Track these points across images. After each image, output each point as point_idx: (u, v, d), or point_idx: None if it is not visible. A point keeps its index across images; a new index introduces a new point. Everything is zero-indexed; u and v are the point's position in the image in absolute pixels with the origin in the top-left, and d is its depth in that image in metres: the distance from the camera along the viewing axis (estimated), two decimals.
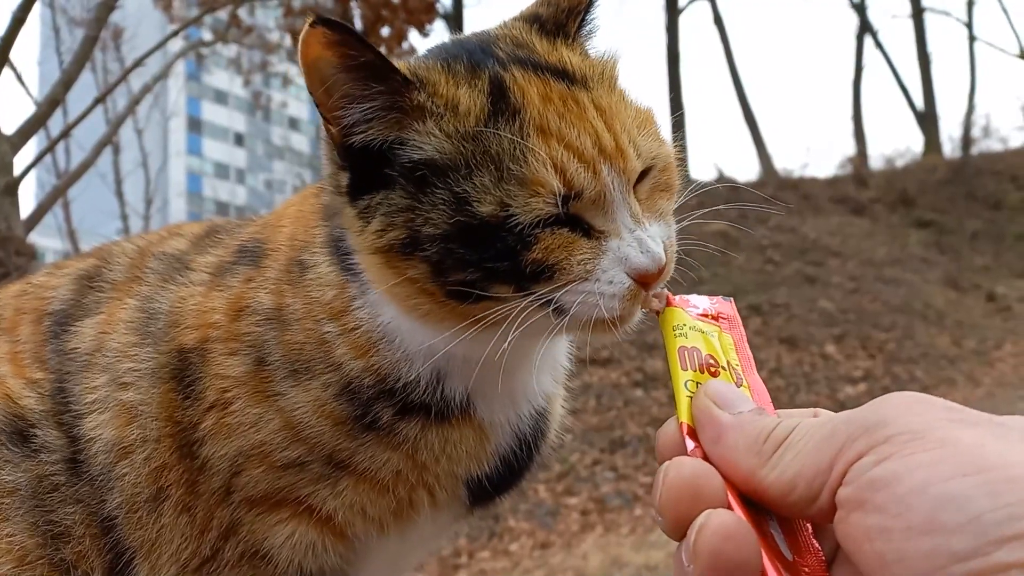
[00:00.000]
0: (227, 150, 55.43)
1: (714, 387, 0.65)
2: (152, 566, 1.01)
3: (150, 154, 18.77)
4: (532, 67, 0.88)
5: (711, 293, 0.78)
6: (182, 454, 0.99)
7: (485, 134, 0.83)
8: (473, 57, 0.89)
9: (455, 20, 14.08)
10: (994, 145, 18.89)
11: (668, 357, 0.69)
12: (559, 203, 0.81)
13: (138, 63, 5.80)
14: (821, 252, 11.27)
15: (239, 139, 56.24)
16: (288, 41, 13.77)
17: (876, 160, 18.58)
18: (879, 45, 25.21)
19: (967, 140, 17.43)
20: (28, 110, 4.33)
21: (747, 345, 0.72)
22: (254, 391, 0.96)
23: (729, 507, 0.56)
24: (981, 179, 14.65)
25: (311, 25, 0.79)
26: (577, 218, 0.82)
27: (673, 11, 15.86)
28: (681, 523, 0.57)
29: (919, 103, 18.06)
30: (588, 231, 0.82)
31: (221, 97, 54.13)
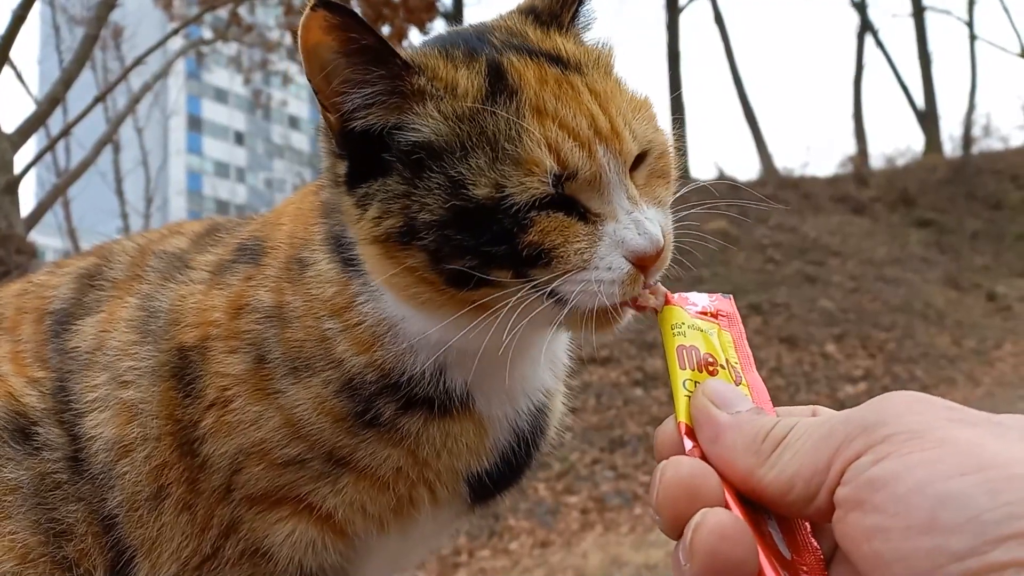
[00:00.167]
0: (227, 149, 55.39)
1: (712, 386, 0.65)
2: (153, 564, 1.01)
3: (150, 152, 18.76)
4: (527, 52, 0.88)
5: (710, 292, 0.78)
6: (182, 452, 0.99)
7: (481, 115, 0.83)
8: (470, 44, 0.90)
9: (455, 18, 14.07)
10: (995, 144, 18.92)
11: (666, 356, 0.69)
12: (553, 183, 0.80)
13: (138, 61, 5.79)
14: (821, 251, 11.27)
15: (239, 138, 56.19)
16: (288, 39, 13.76)
17: (876, 159, 18.60)
18: (880, 44, 25.19)
19: (968, 139, 17.43)
20: (28, 109, 4.34)
21: (746, 343, 0.72)
22: (254, 389, 0.96)
23: (727, 506, 0.56)
24: (982, 178, 14.65)
25: (312, 8, 0.79)
26: (573, 200, 0.82)
27: (673, 10, 15.85)
28: (678, 522, 0.57)
29: (920, 102, 18.06)
30: (584, 215, 0.82)
31: (221, 95, 54.09)
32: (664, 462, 0.60)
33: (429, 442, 0.96)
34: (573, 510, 6.42)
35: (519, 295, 0.81)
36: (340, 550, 1.01)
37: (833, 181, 14.84)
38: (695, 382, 0.66)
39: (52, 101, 4.24)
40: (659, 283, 0.82)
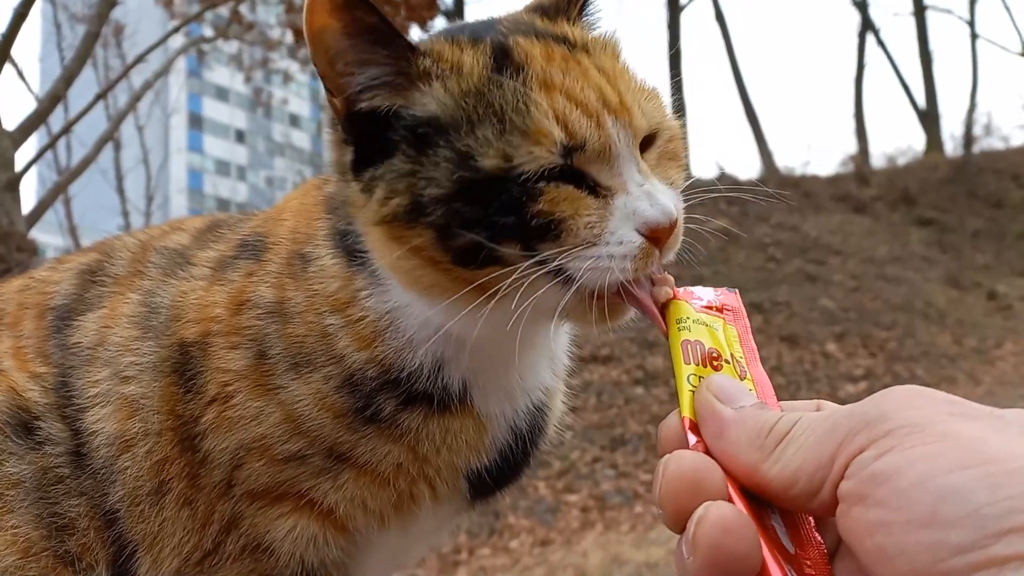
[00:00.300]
0: (228, 147, 55.43)
1: (716, 381, 0.64)
2: (154, 559, 1.01)
3: (151, 151, 18.76)
4: (534, 34, 0.89)
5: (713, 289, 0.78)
6: (183, 447, 0.99)
7: (487, 88, 0.83)
8: (475, 31, 0.90)
9: (457, 16, 14.07)
10: (996, 143, 18.87)
11: (671, 351, 0.69)
12: (562, 153, 0.80)
13: (140, 59, 5.79)
14: (822, 250, 11.27)
15: (240, 136, 56.23)
16: (289, 38, 13.77)
17: (878, 158, 18.55)
18: (881, 43, 25.18)
19: (969, 138, 17.39)
20: (29, 106, 4.33)
21: (751, 337, 0.72)
22: (255, 384, 0.96)
23: (730, 500, 0.56)
24: (983, 177, 14.64)
25: None
26: (582, 173, 0.81)
27: (675, 8, 15.84)
28: (681, 516, 0.57)
29: (921, 101, 18.05)
30: (594, 189, 0.81)
31: (222, 94, 54.13)
32: (667, 456, 0.60)
33: (429, 438, 0.96)
34: (573, 508, 6.42)
35: (526, 272, 0.80)
36: (341, 545, 1.01)
37: (834, 180, 14.84)
38: (699, 377, 0.66)
39: (53, 99, 4.24)
40: (667, 275, 0.81)
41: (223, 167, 54.51)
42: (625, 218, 0.80)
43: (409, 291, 0.91)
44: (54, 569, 0.99)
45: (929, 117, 17.80)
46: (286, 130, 54.09)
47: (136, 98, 6.08)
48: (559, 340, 1.06)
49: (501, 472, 1.04)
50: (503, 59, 0.85)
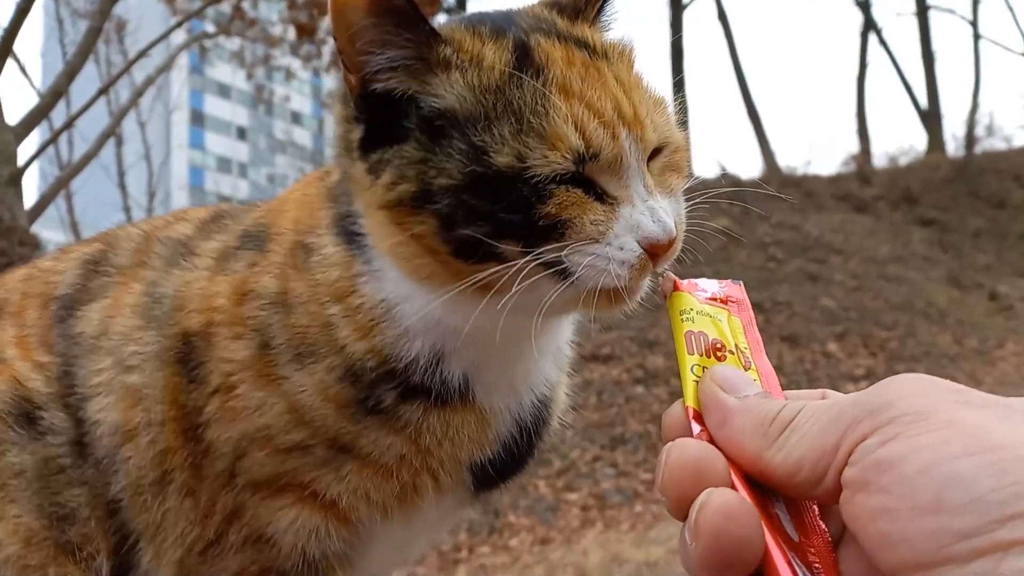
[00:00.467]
0: (229, 144, 55.44)
1: (720, 371, 0.64)
2: (157, 549, 1.02)
3: (153, 147, 18.78)
4: (555, 35, 0.89)
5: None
6: (187, 438, 0.99)
7: (508, 86, 0.83)
8: (496, 24, 0.90)
9: (460, 11, 14.07)
10: (998, 144, 18.86)
11: (675, 341, 0.69)
12: (576, 161, 0.81)
13: (142, 54, 5.79)
14: (823, 249, 11.27)
15: (241, 133, 56.22)
16: (292, 35, 13.77)
17: (879, 158, 18.54)
18: (883, 42, 25.05)
19: (971, 138, 17.38)
20: (31, 101, 4.33)
21: (756, 328, 0.72)
22: (258, 375, 0.96)
23: (733, 488, 0.56)
24: (984, 178, 14.63)
25: None
26: (591, 182, 0.82)
27: (677, 7, 15.84)
28: (683, 503, 0.56)
29: (923, 101, 18.02)
30: (601, 196, 0.82)
31: (224, 91, 54.11)
32: (669, 444, 0.60)
33: (430, 431, 0.96)
34: (573, 507, 6.43)
35: (524, 267, 0.80)
36: (344, 537, 1.01)
37: (836, 179, 14.83)
38: (703, 367, 0.66)
39: (55, 93, 4.24)
40: (668, 270, 0.81)
41: (224, 164, 54.53)
42: (628, 228, 0.81)
43: (407, 279, 0.91)
44: (55, 559, 0.99)
45: (931, 117, 17.78)
46: (288, 127, 54.11)
47: (138, 94, 6.08)
48: (562, 333, 1.07)
49: (505, 464, 1.04)
50: (524, 58, 0.85)
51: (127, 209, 16.75)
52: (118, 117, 6.00)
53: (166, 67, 7.33)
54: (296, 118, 55.17)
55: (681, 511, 0.57)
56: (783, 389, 0.66)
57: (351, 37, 0.83)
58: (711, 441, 0.61)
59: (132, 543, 1.02)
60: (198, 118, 53.32)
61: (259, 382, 0.96)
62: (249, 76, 17.82)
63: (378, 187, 0.87)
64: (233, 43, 15.60)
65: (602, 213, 0.81)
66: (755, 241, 10.97)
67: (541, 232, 0.81)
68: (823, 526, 0.58)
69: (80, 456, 1.03)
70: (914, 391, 0.52)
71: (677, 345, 0.69)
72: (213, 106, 54.68)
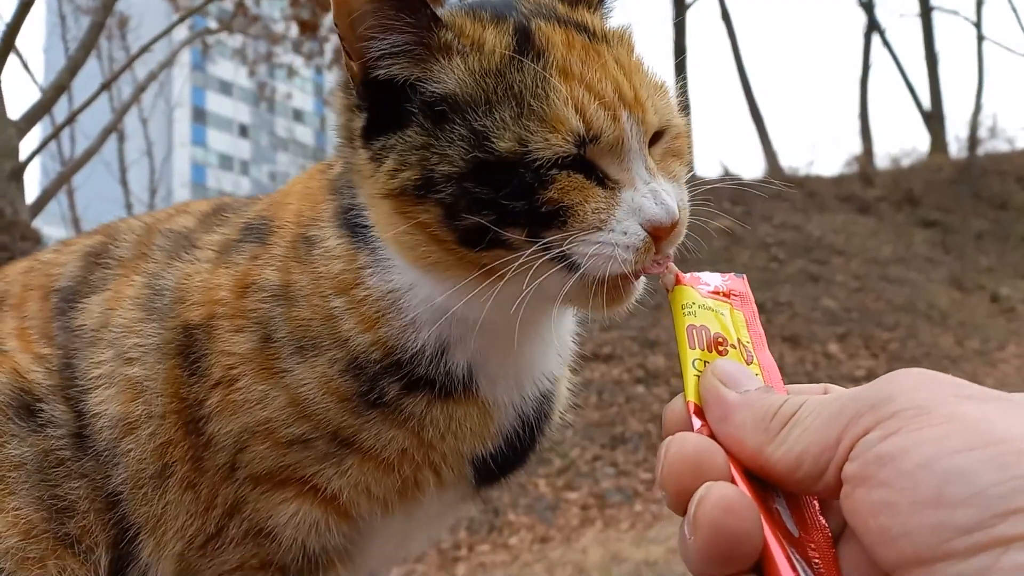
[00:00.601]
0: (231, 141, 55.44)
1: (721, 366, 0.64)
2: (158, 542, 1.02)
3: (154, 144, 18.77)
4: (555, 19, 0.89)
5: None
6: (188, 430, 0.99)
7: (508, 70, 0.83)
8: (496, 8, 0.90)
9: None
10: (1000, 145, 18.79)
11: (676, 335, 0.69)
12: (577, 143, 0.80)
13: (144, 49, 5.79)
14: (825, 250, 11.25)
15: (243, 130, 56.22)
16: (294, 32, 13.75)
17: (882, 159, 18.49)
18: (887, 44, 25.13)
19: (973, 140, 17.36)
20: (33, 97, 4.34)
21: (759, 322, 0.72)
22: (260, 368, 0.96)
23: (733, 482, 0.56)
24: (987, 179, 14.59)
25: None
26: (592, 165, 0.82)
27: (681, 6, 15.82)
28: (683, 497, 0.56)
29: (926, 102, 17.98)
30: (603, 180, 0.82)
31: (226, 88, 54.11)
32: (669, 438, 0.60)
33: (433, 424, 0.96)
34: (573, 506, 6.42)
35: (530, 257, 0.80)
36: (344, 532, 1.01)
37: (838, 180, 14.80)
38: (705, 362, 0.65)
39: (58, 88, 4.24)
40: (671, 262, 0.81)
41: (226, 161, 54.53)
42: (631, 212, 0.81)
43: (413, 268, 0.91)
44: (54, 551, 0.99)
45: (934, 118, 17.74)
46: (289, 125, 54.11)
47: (140, 89, 6.08)
48: (565, 326, 1.06)
49: (507, 459, 1.03)
50: (524, 42, 0.85)
51: (129, 206, 16.74)
52: (120, 113, 6.00)
53: (168, 63, 7.33)
54: (298, 115, 55.17)
55: (680, 505, 0.57)
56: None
57: (352, 23, 0.83)
58: (712, 436, 0.60)
59: (132, 536, 1.02)
60: (200, 115, 53.32)
61: (261, 375, 0.96)
62: (251, 73, 17.80)
63: (381, 175, 0.86)
64: (235, 40, 15.57)
65: (603, 199, 0.81)
66: (757, 241, 10.96)
67: (544, 218, 0.80)
68: (823, 522, 0.58)
69: (80, 448, 1.02)
70: (915, 385, 0.52)
71: (679, 339, 0.69)
72: (215, 103, 54.67)
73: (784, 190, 11.51)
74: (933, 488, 0.46)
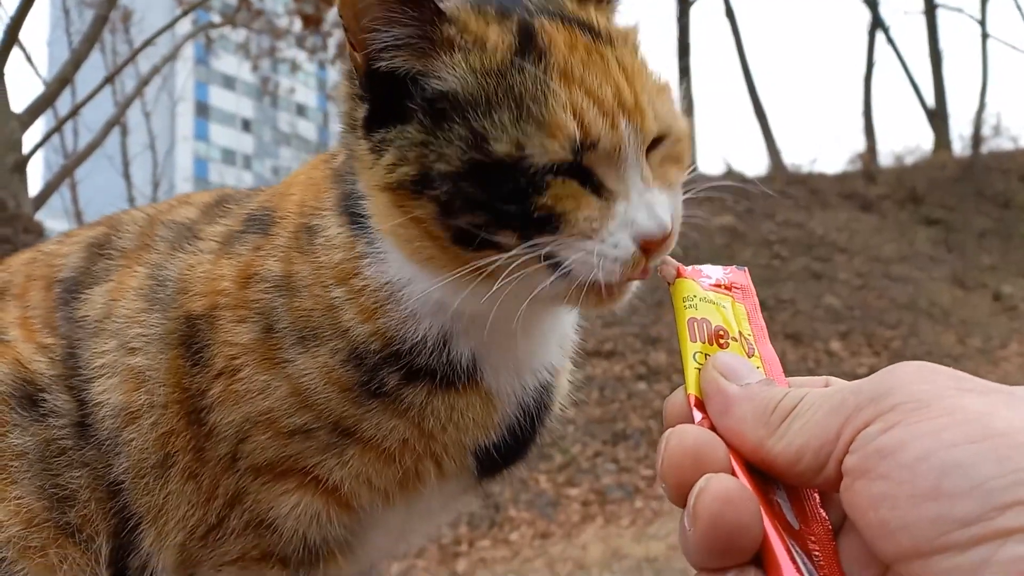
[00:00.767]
0: (234, 136, 55.43)
1: (722, 359, 0.64)
2: (159, 532, 1.02)
3: (157, 137, 18.78)
4: (560, 18, 0.89)
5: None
6: (190, 420, 0.99)
7: (509, 72, 0.83)
8: (503, 4, 0.90)
9: None
10: (1004, 143, 18.75)
11: (677, 329, 0.69)
12: (574, 150, 0.80)
13: (148, 43, 5.80)
14: (828, 248, 11.23)
15: (246, 125, 56.21)
16: (297, 26, 13.73)
17: (885, 156, 18.47)
18: (891, 41, 25.03)
19: (977, 138, 17.27)
20: (37, 90, 4.34)
21: (760, 315, 0.71)
22: (262, 358, 0.96)
23: (733, 474, 0.56)
24: (990, 177, 14.55)
25: None
26: (589, 172, 0.82)
27: (684, 2, 15.77)
28: (683, 489, 0.56)
29: (930, 100, 17.91)
30: (598, 189, 0.82)
31: (229, 82, 54.08)
32: (669, 430, 0.60)
33: (434, 415, 0.96)
34: (574, 502, 6.43)
35: (519, 258, 0.80)
36: (345, 523, 1.01)
37: (841, 178, 14.77)
38: (705, 354, 0.65)
39: (62, 81, 4.25)
40: (668, 256, 0.81)
41: (229, 156, 54.51)
42: (623, 225, 0.80)
43: (409, 261, 0.91)
44: (56, 540, 1.00)
45: (938, 116, 17.68)
46: (292, 120, 54.08)
47: (144, 82, 6.09)
48: (567, 317, 1.06)
49: (509, 449, 1.03)
50: (527, 42, 0.85)
51: (131, 199, 16.75)
52: (123, 107, 6.01)
53: (171, 57, 7.33)
54: (301, 110, 55.13)
55: (680, 498, 0.57)
56: None
57: (357, 14, 0.83)
58: (713, 429, 0.60)
59: (133, 525, 1.03)
60: (203, 109, 53.30)
61: (263, 365, 0.96)
62: (254, 68, 17.77)
63: (380, 167, 0.86)
64: (238, 34, 15.53)
65: (597, 209, 0.81)
66: (760, 239, 10.94)
67: (536, 224, 0.80)
68: (824, 514, 0.58)
69: (82, 438, 1.03)
70: (916, 378, 0.52)
71: (680, 332, 0.69)
72: (218, 97, 54.64)
73: (787, 189, 11.48)
74: (932, 481, 0.46)
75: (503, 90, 0.82)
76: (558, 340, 1.06)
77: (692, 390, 0.64)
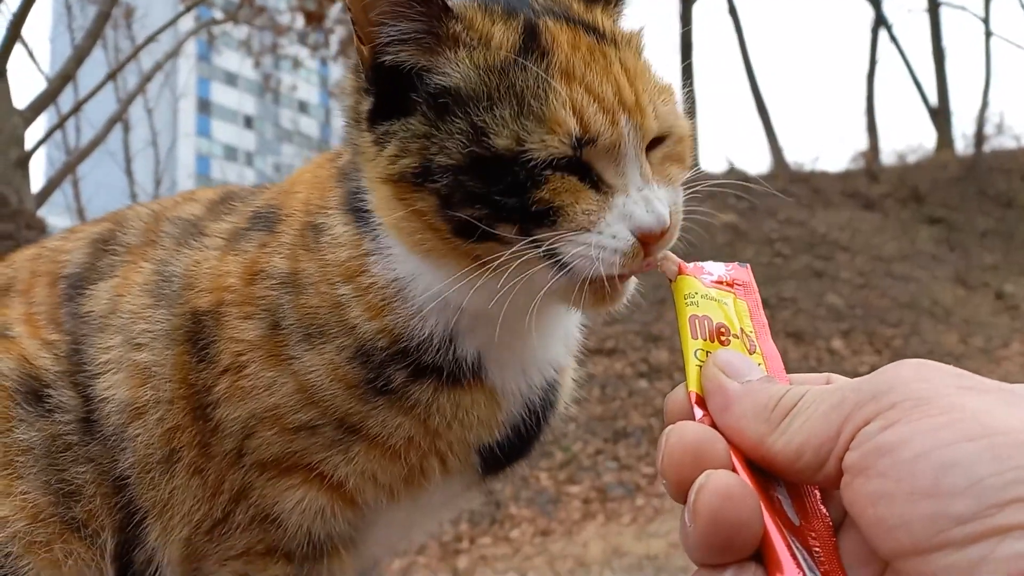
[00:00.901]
0: (236, 132, 55.39)
1: (723, 356, 0.64)
2: (164, 526, 1.02)
3: (159, 134, 18.76)
4: (565, 18, 0.90)
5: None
6: (195, 416, 1.00)
7: (511, 68, 0.84)
8: (511, 3, 0.91)
9: None
10: (1007, 142, 18.71)
11: (679, 326, 0.69)
12: (574, 145, 0.81)
13: (150, 39, 5.80)
14: (830, 246, 11.22)
15: (248, 121, 56.16)
16: (300, 23, 13.72)
17: (888, 155, 18.46)
18: (894, 39, 24.86)
19: (980, 137, 17.21)
20: (39, 86, 4.35)
21: (762, 311, 0.72)
22: (268, 355, 0.97)
23: (733, 471, 0.56)
24: (993, 176, 14.52)
25: None
26: (588, 167, 0.82)
27: (687, 0, 15.73)
28: (683, 486, 0.56)
29: (933, 98, 17.87)
30: (597, 184, 0.83)
31: (231, 79, 54.03)
32: (670, 427, 0.60)
33: (439, 412, 0.96)
34: (575, 500, 6.43)
35: (519, 252, 0.81)
36: (349, 519, 1.02)
37: (844, 176, 14.74)
38: (707, 352, 0.66)
39: (64, 77, 4.25)
40: (670, 252, 0.81)
41: (231, 152, 54.47)
42: (621, 217, 0.81)
43: (411, 254, 0.92)
44: (61, 535, 1.00)
45: (941, 114, 17.64)
46: (294, 116, 54.00)
47: (145, 80, 6.09)
48: (571, 316, 1.07)
49: (513, 447, 1.04)
50: (531, 40, 0.86)
51: (133, 196, 16.72)
52: (125, 103, 6.01)
53: (174, 54, 7.33)
54: (303, 107, 55.05)
55: (681, 494, 0.57)
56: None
57: (366, 7, 0.84)
58: (714, 426, 0.61)
59: (138, 520, 1.03)
60: (205, 106, 53.26)
61: (269, 362, 0.97)
62: (256, 64, 17.76)
63: (382, 159, 0.87)
64: (241, 31, 15.53)
65: (595, 203, 0.81)
66: (762, 237, 10.93)
67: (534, 217, 0.81)
68: (824, 511, 0.58)
69: (87, 433, 1.03)
70: (916, 376, 0.52)
71: (681, 329, 0.69)
72: (220, 94, 54.59)
73: (789, 188, 11.46)
74: (931, 478, 0.46)
75: (505, 86, 0.83)
76: (563, 338, 1.06)
77: (693, 387, 0.64)
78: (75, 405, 1.04)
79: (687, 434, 0.59)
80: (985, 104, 17.59)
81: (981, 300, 11.00)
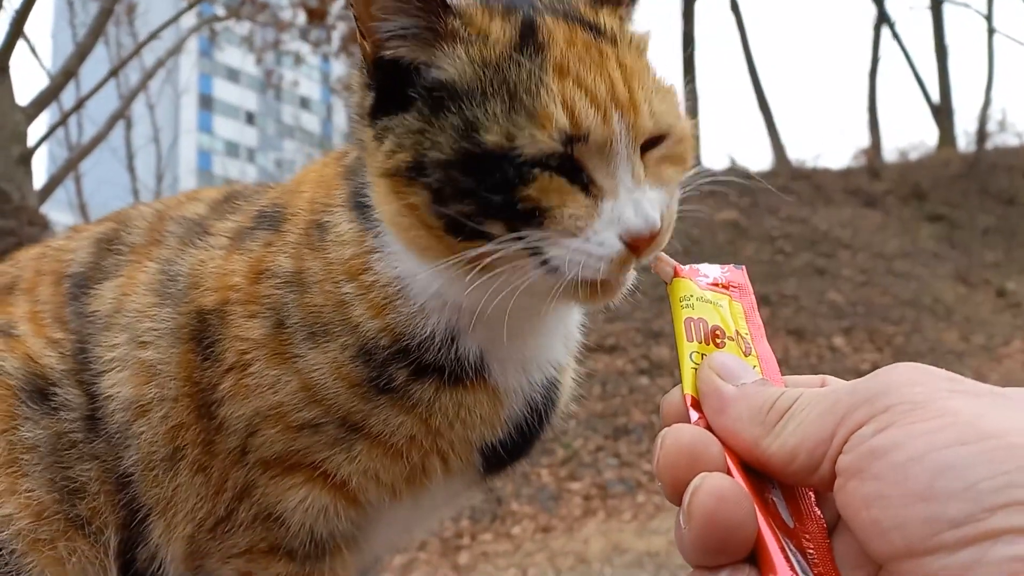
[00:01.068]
0: (238, 128, 55.34)
1: (719, 359, 0.65)
2: (168, 524, 1.03)
3: (161, 130, 18.74)
4: (564, 16, 0.90)
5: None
6: (199, 414, 1.00)
7: (505, 63, 0.84)
8: (512, 0, 0.91)
9: None
10: (1010, 140, 18.69)
11: (675, 328, 0.70)
12: (564, 142, 0.80)
13: (152, 36, 5.80)
14: (832, 244, 11.21)
15: (250, 118, 56.09)
16: (301, 19, 13.72)
17: (890, 152, 18.40)
18: (896, 36, 24.75)
19: (982, 134, 17.15)
20: (42, 83, 4.35)
21: (757, 313, 0.72)
22: (273, 353, 0.97)
23: (728, 473, 0.57)
24: (995, 174, 14.47)
25: None
26: (579, 167, 0.82)
27: None
28: (679, 488, 0.57)
29: (935, 96, 17.83)
30: (587, 186, 0.82)
31: (233, 75, 53.95)
32: (665, 430, 0.61)
33: (441, 411, 0.97)
34: (576, 496, 6.44)
35: (509, 250, 0.81)
36: (352, 518, 1.02)
37: (845, 173, 14.71)
38: (702, 354, 0.66)
39: (66, 74, 4.25)
40: (664, 255, 0.81)
41: (232, 148, 54.42)
42: (610, 223, 0.80)
43: (408, 251, 0.92)
44: (65, 533, 1.01)
45: (943, 112, 17.59)
46: (296, 112, 53.87)
47: (147, 76, 6.09)
48: (571, 315, 1.07)
49: (515, 446, 1.04)
50: (527, 36, 0.86)
51: (135, 192, 16.72)
52: (128, 99, 6.01)
53: (176, 50, 7.33)
54: (305, 103, 54.92)
55: (676, 496, 0.58)
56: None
57: (367, 2, 0.85)
58: (709, 428, 0.61)
59: (142, 518, 1.04)
60: (207, 102, 53.20)
61: (273, 360, 0.97)
62: (258, 60, 17.75)
63: (380, 153, 0.88)
64: (243, 27, 15.51)
65: (583, 207, 0.81)
66: (763, 234, 10.92)
67: (521, 216, 0.80)
68: (819, 513, 0.58)
69: (92, 431, 1.04)
70: (911, 380, 0.53)
71: (676, 332, 0.69)
72: (222, 90, 54.53)
73: (790, 185, 11.44)
74: (924, 482, 0.47)
75: (498, 82, 0.83)
76: (563, 338, 1.07)
77: (688, 390, 0.65)
78: (80, 403, 1.05)
79: (682, 437, 0.59)
80: (987, 101, 17.54)
81: (983, 298, 10.98)
